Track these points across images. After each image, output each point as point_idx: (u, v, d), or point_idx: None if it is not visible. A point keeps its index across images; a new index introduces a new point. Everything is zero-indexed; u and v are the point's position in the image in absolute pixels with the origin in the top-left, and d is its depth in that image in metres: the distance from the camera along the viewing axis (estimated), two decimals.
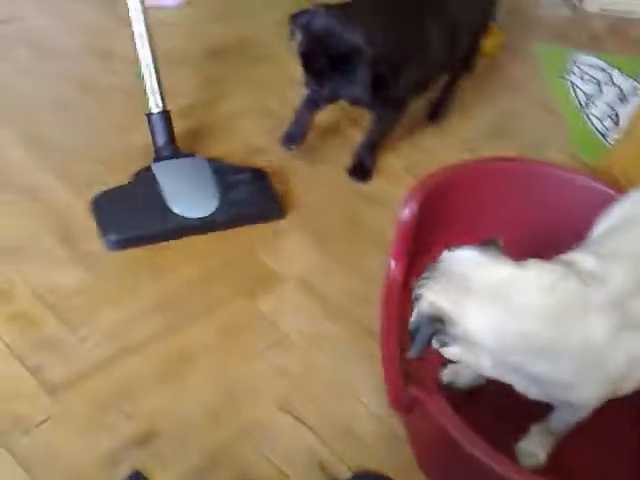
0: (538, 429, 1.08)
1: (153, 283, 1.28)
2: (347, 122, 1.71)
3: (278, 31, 1.97)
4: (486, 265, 0.95)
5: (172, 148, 1.45)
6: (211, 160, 1.46)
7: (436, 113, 1.78)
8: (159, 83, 1.45)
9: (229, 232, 1.40)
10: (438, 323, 0.92)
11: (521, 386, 0.98)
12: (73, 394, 1.10)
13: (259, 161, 1.56)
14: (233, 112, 1.67)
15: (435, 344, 0.95)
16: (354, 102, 1.51)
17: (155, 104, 1.45)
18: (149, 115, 1.46)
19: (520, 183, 1.35)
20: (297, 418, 1.12)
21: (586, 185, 1.34)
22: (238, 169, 1.45)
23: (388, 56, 1.37)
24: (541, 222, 1.34)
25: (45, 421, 1.06)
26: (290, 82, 1.80)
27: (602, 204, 1.29)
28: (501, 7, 2.21)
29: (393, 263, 1.26)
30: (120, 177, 1.46)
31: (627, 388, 0.97)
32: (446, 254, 0.99)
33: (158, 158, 1.43)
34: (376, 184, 1.58)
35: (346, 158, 1.62)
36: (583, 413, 1.02)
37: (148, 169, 1.41)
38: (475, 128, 1.77)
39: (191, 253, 1.35)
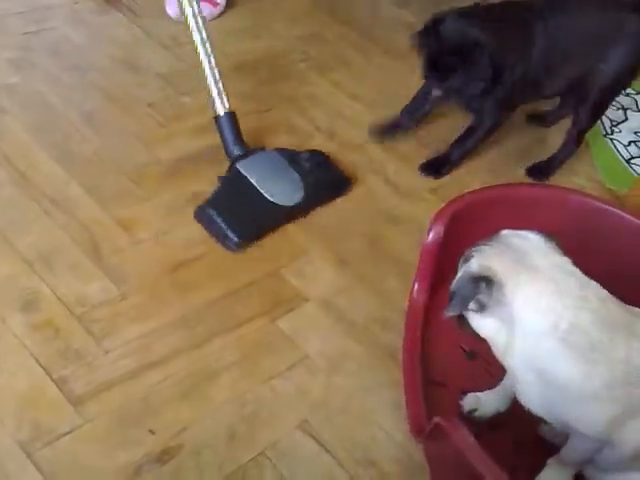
0: (554, 461, 1.08)
1: (177, 299, 1.29)
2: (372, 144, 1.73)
3: (300, 47, 1.99)
4: (549, 252, 0.96)
5: (244, 145, 1.52)
6: (280, 150, 1.55)
7: (540, 169, 1.73)
8: (223, 85, 1.50)
9: (253, 251, 1.41)
10: (484, 283, 0.92)
11: (530, 393, 0.97)
12: (97, 406, 1.11)
13: None
14: (261, 128, 1.68)
15: (473, 306, 0.94)
16: (465, 103, 1.62)
17: (222, 106, 1.50)
18: (217, 117, 1.51)
19: (548, 209, 1.35)
20: (317, 441, 1.12)
21: (614, 214, 1.34)
22: (304, 154, 1.54)
23: (501, 55, 1.45)
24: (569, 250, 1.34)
25: (69, 433, 1.07)
26: (312, 100, 1.82)
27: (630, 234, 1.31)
28: None
29: (417, 287, 1.26)
30: (146, 190, 1.49)
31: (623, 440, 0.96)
32: (506, 232, 1.00)
33: (236, 156, 1.50)
34: (400, 205, 1.58)
35: (370, 178, 1.63)
36: (595, 445, 1.01)
37: (234, 169, 1.47)
38: (500, 152, 1.77)
39: (215, 271, 1.36)
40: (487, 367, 1.24)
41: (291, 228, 1.48)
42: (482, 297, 0.93)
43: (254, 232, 1.41)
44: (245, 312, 1.29)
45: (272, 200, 1.43)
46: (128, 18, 1.94)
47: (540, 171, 1.72)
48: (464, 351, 1.28)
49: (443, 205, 1.31)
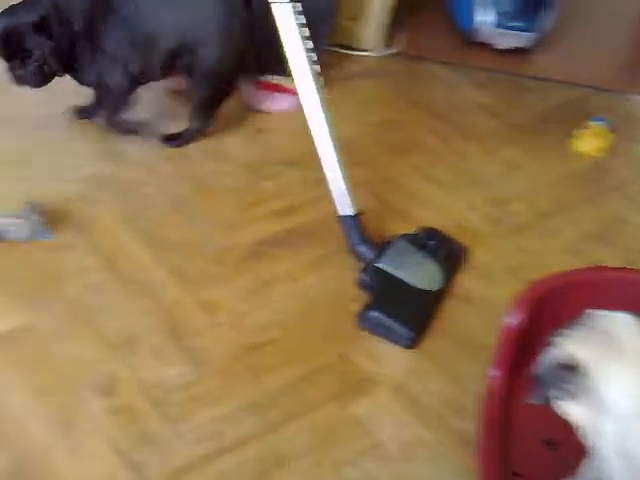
0: None
1: (251, 383, 1.31)
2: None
3: (374, 133, 2.02)
4: (638, 334, 0.93)
5: (372, 244, 1.57)
6: (402, 237, 1.60)
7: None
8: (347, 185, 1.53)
9: (322, 335, 1.43)
10: (567, 371, 0.90)
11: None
12: None
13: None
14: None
15: (558, 394, 0.91)
16: None
17: (347, 207, 1.54)
18: (344, 217, 1.56)
19: (633, 294, 1.30)
20: None
21: None
22: (422, 234, 1.61)
23: None
24: None
25: None
26: (387, 183, 1.83)
27: None
28: (612, 110, 2.19)
29: (495, 374, 1.23)
30: (227, 273, 1.54)
31: None
32: (594, 313, 0.96)
33: (372, 258, 1.54)
34: (471, 284, 1.57)
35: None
36: None
37: (377, 269, 1.52)
38: (580, 231, 1.73)
39: (288, 354, 1.38)
40: (565, 457, 1.18)
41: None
42: (567, 386, 0.91)
43: (422, 324, 1.46)
44: (317, 396, 1.30)
45: (422, 288, 1.49)
46: None
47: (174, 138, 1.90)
48: (542, 441, 1.22)
49: (525, 289, 1.27)
